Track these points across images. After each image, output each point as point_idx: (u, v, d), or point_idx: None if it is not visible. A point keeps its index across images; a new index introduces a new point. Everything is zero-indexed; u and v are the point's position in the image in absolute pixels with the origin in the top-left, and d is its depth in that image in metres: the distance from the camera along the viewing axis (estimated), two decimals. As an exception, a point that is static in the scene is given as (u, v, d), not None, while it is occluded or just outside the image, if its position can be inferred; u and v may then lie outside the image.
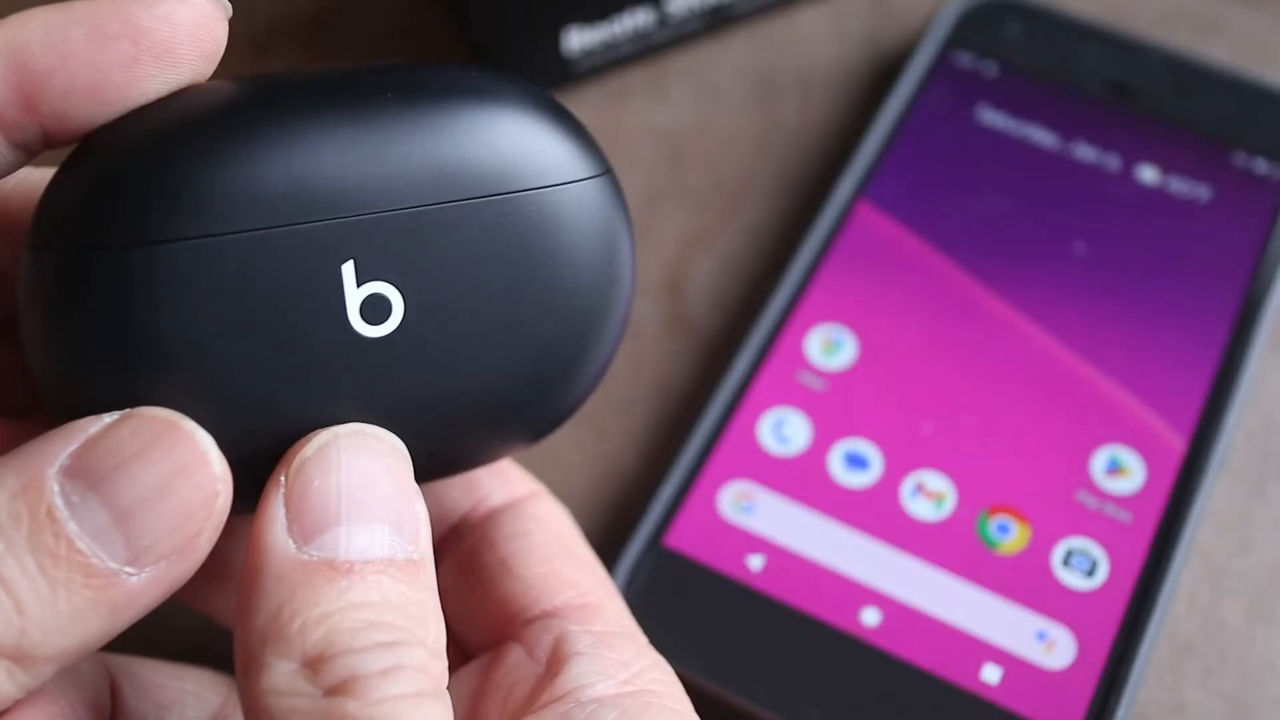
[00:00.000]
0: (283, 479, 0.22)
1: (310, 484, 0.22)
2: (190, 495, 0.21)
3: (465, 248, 0.23)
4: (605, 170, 0.25)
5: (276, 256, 0.22)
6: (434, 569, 0.23)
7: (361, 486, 0.22)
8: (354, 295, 0.23)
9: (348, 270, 0.23)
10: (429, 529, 0.23)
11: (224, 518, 0.22)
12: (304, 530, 0.22)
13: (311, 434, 0.23)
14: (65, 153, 0.23)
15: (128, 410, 0.22)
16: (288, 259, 0.22)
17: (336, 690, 0.21)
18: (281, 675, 0.21)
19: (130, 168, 0.22)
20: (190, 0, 0.23)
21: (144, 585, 0.21)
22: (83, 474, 0.21)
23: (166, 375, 0.22)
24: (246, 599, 0.22)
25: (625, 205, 0.25)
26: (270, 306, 0.22)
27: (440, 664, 0.22)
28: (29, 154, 0.23)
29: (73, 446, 0.21)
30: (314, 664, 0.21)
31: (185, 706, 0.27)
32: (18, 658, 0.20)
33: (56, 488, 0.21)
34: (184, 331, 0.22)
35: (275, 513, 0.22)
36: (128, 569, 0.21)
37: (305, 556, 0.21)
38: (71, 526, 0.21)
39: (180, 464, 0.21)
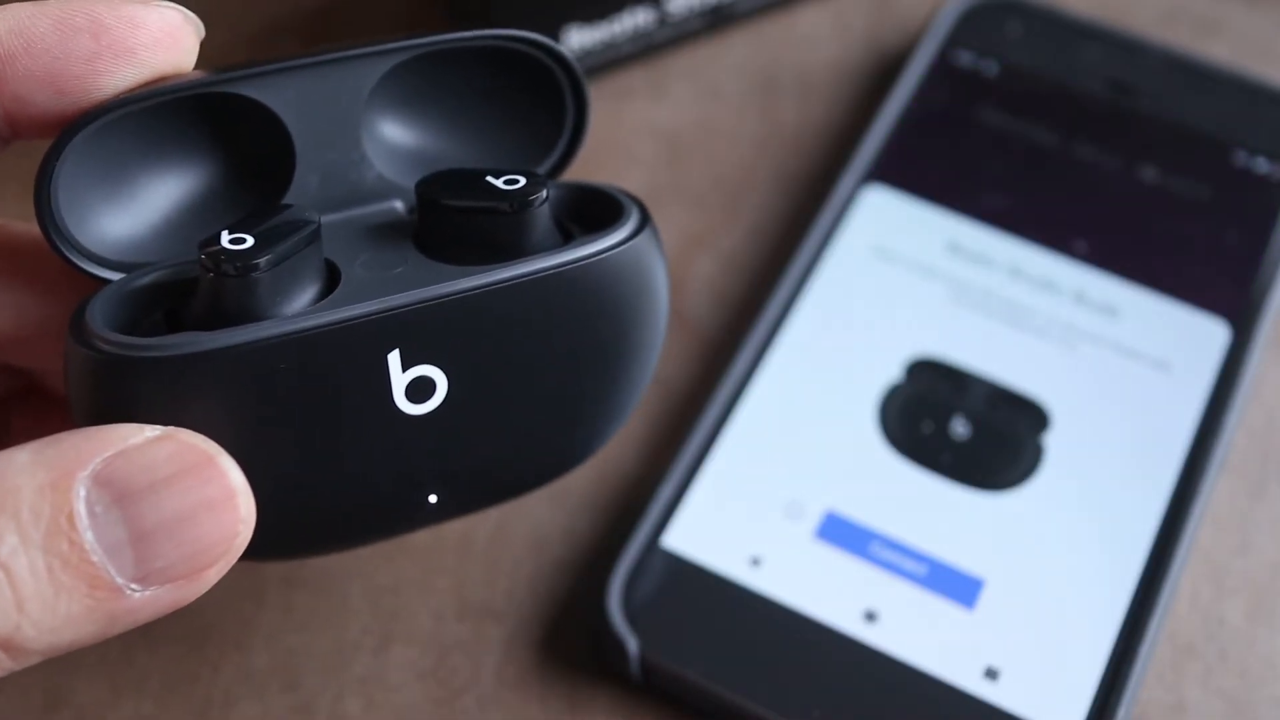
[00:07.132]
0: None
1: None
2: (212, 530, 0.22)
3: (511, 323, 0.24)
4: (643, 221, 0.25)
5: (326, 354, 0.22)
6: None
7: None
8: (399, 379, 0.23)
9: (394, 358, 0.23)
10: None
11: (238, 555, 0.22)
12: None
13: None
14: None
15: (169, 429, 0.22)
16: (337, 355, 0.23)
17: None
18: None
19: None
20: (158, 8, 0.24)
21: (144, 602, 0.21)
22: (111, 484, 0.21)
23: None
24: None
25: (662, 249, 0.25)
26: (318, 399, 0.23)
27: None
28: None
29: (108, 452, 0.21)
30: None
31: None
32: (8, 648, 0.21)
33: (83, 493, 0.21)
34: (233, 427, 0.22)
35: None
36: (133, 585, 0.21)
37: None
38: (89, 537, 0.21)
39: (209, 499, 0.22)
